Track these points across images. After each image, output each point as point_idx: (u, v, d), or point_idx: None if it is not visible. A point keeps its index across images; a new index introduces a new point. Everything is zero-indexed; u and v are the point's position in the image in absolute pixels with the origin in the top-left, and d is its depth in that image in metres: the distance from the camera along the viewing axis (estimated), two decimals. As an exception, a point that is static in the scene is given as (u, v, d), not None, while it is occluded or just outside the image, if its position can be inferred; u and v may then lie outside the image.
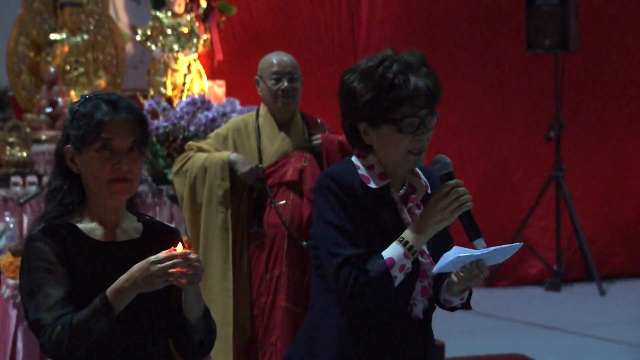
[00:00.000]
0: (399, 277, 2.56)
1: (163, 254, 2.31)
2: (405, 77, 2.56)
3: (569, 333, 7.13)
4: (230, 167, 4.44)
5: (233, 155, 4.46)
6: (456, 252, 2.51)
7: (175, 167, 4.58)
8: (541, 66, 8.83)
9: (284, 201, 4.45)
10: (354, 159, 2.69)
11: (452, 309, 2.73)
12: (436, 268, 2.56)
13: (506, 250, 2.57)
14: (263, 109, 4.60)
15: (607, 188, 9.12)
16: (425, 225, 2.56)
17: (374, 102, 2.58)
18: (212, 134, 4.67)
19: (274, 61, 4.51)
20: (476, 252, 2.52)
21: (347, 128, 2.70)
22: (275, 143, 4.53)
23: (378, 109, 2.58)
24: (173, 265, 2.30)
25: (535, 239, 8.79)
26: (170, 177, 6.31)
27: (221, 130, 4.65)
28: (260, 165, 4.48)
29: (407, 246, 2.56)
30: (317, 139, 4.56)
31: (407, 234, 2.57)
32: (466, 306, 2.75)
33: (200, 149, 4.55)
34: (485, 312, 7.46)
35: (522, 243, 2.64)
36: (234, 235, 4.46)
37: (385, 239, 2.59)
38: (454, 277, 2.61)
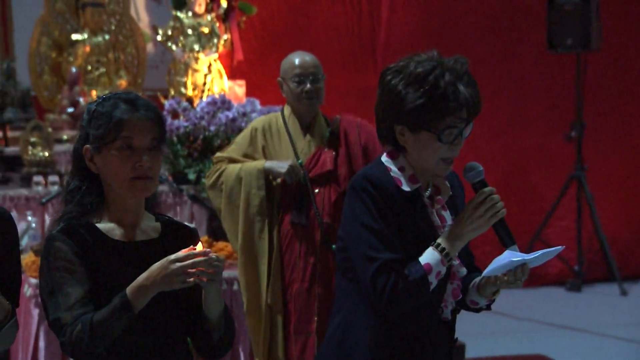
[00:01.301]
0: (434, 282, 2.57)
1: (183, 252, 2.31)
2: (456, 88, 2.54)
3: (590, 334, 7.09)
4: (267, 174, 4.43)
5: (268, 163, 4.44)
6: (508, 256, 2.54)
7: (209, 181, 4.56)
8: (562, 66, 8.79)
9: (317, 190, 4.46)
10: (384, 159, 2.67)
11: (477, 310, 2.73)
12: (487, 271, 2.58)
13: (549, 253, 2.59)
14: (287, 109, 4.59)
15: (629, 188, 9.06)
16: (461, 233, 2.57)
17: (422, 110, 2.55)
18: (237, 139, 4.64)
19: (296, 62, 4.49)
20: (527, 257, 2.54)
21: (382, 127, 2.67)
22: (301, 143, 4.53)
23: (424, 117, 2.56)
24: (193, 264, 2.29)
25: (556, 240, 8.73)
26: (190, 177, 6.34)
27: (245, 132, 4.61)
28: (300, 161, 4.48)
29: (444, 253, 2.56)
30: (336, 118, 4.57)
31: (442, 241, 2.57)
32: (489, 307, 2.75)
33: (231, 160, 4.53)
34: (506, 312, 7.42)
35: (564, 247, 2.67)
36: (270, 238, 4.47)
37: (418, 242, 2.59)
38: (492, 280, 2.60)
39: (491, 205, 2.56)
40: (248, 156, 4.52)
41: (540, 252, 2.56)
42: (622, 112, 9.09)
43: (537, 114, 8.94)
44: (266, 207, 4.45)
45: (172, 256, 2.30)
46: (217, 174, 4.53)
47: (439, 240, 2.57)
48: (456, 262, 2.62)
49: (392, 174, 2.63)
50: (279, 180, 4.42)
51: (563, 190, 8.44)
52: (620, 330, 7.11)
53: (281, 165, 4.42)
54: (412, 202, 2.62)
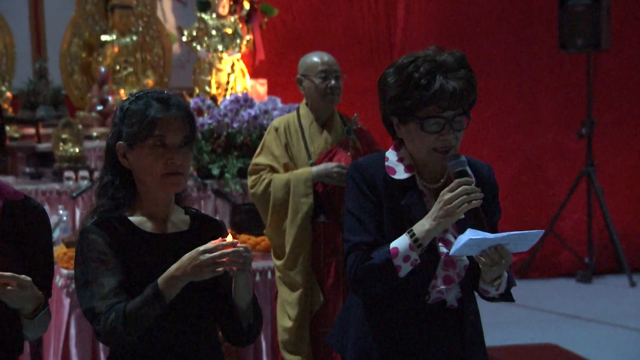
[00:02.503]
0: (403, 267, 2.54)
1: (212, 243, 2.31)
2: (431, 78, 2.52)
3: (600, 323, 7.07)
4: (316, 181, 4.42)
5: (314, 169, 4.44)
6: (469, 235, 2.44)
7: (257, 190, 4.52)
8: (573, 65, 8.75)
9: (329, 187, 4.46)
10: (388, 151, 2.69)
11: (491, 299, 2.68)
12: (452, 250, 2.50)
13: (527, 236, 2.48)
14: (303, 108, 4.58)
15: (638, 183, 9.03)
16: (432, 219, 2.52)
17: (398, 99, 2.57)
18: (266, 143, 4.58)
19: (320, 60, 4.53)
20: (489, 236, 2.44)
21: (385, 121, 2.69)
22: (317, 141, 4.52)
23: (402, 106, 2.57)
24: (221, 255, 2.30)
25: (568, 233, 8.72)
26: (214, 172, 6.35)
27: (270, 135, 4.57)
28: (310, 162, 4.48)
29: (413, 238, 2.53)
30: (354, 117, 4.58)
31: (416, 226, 2.54)
32: (507, 298, 2.68)
33: (272, 168, 4.51)
34: (519, 302, 7.38)
35: (543, 230, 2.54)
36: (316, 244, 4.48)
37: (408, 227, 2.56)
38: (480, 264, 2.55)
39: (464, 193, 2.49)
40: (279, 157, 4.51)
41: (507, 233, 2.45)
42: (631, 110, 9.05)
43: (549, 112, 8.92)
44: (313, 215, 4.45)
45: (202, 247, 2.30)
46: (264, 183, 4.50)
47: (414, 226, 2.54)
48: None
49: (387, 163, 2.64)
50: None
51: (574, 185, 8.41)
52: (629, 320, 7.08)
53: (328, 170, 4.40)
54: (405, 190, 2.61)
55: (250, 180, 4.57)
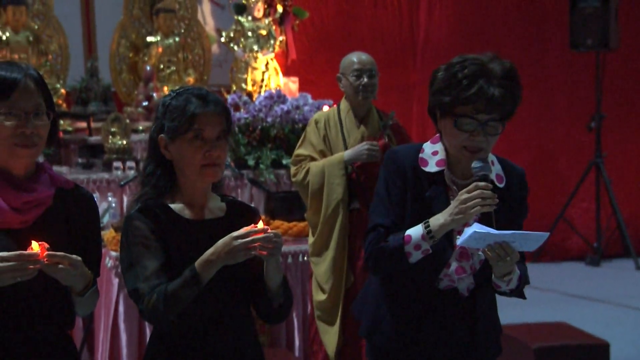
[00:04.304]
0: (414, 254, 2.51)
1: (244, 230, 2.30)
2: (473, 80, 2.48)
3: (607, 304, 7.02)
4: (349, 162, 4.40)
5: (346, 153, 4.42)
6: (474, 227, 2.40)
7: (297, 177, 4.53)
8: (583, 63, 8.68)
9: (363, 177, 4.43)
10: (426, 143, 2.66)
11: (503, 294, 2.63)
12: (460, 241, 2.45)
13: (531, 237, 2.41)
14: (344, 104, 4.59)
15: (644, 173, 8.96)
16: (447, 215, 2.49)
17: (440, 94, 2.54)
18: (307, 136, 4.57)
19: (355, 59, 4.53)
20: (493, 231, 2.39)
21: (429, 111, 2.66)
22: (354, 134, 4.51)
23: (442, 101, 2.54)
24: (253, 241, 2.29)
25: (577, 219, 8.67)
26: (250, 162, 6.36)
27: (311, 127, 4.57)
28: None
29: (427, 229, 2.50)
30: (391, 113, 4.55)
31: (432, 219, 2.51)
32: (518, 294, 2.63)
33: (312, 159, 4.50)
34: (532, 284, 7.32)
35: (547, 234, 2.46)
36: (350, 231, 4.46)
37: (427, 217, 2.53)
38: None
39: (479, 197, 2.44)
40: (318, 147, 4.50)
41: (511, 232, 2.39)
42: (638, 104, 8.98)
43: (561, 107, 8.87)
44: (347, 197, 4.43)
45: (235, 233, 2.30)
46: (303, 172, 4.51)
47: (430, 219, 2.51)
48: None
49: (421, 155, 2.61)
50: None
51: (584, 175, 8.35)
52: (635, 301, 7.03)
53: (358, 150, 4.40)
54: (433, 182, 2.58)
55: (292, 169, 4.59)
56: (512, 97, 2.52)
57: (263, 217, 5.60)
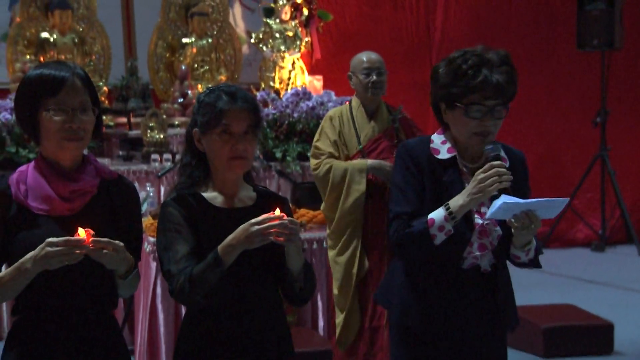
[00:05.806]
0: (438, 236, 2.51)
1: (262, 217, 2.29)
2: (477, 70, 2.50)
3: (612, 287, 6.98)
4: (370, 172, 4.34)
5: (370, 162, 4.37)
6: (503, 199, 2.41)
7: (318, 172, 4.46)
8: (590, 62, 8.63)
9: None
10: (434, 135, 2.66)
11: (521, 264, 2.63)
12: (488, 214, 2.46)
13: (553, 203, 2.43)
14: (355, 101, 4.56)
15: (647, 165, 8.89)
16: (465, 196, 2.48)
17: (447, 87, 2.54)
18: (324, 130, 4.52)
19: (364, 58, 4.48)
20: (521, 201, 2.40)
21: (432, 106, 2.65)
22: (366, 129, 4.49)
23: (451, 93, 2.54)
24: (268, 227, 2.27)
25: (583, 209, 8.62)
26: (277, 155, 6.37)
27: (326, 123, 4.52)
28: (359, 146, 4.45)
29: (448, 211, 2.50)
30: (399, 108, 4.51)
31: (452, 201, 2.51)
32: (535, 264, 2.64)
33: (331, 154, 4.44)
34: (541, 269, 7.32)
35: (568, 198, 2.50)
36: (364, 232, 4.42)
37: (447, 201, 2.53)
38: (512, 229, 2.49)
39: (495, 175, 2.45)
40: (334, 141, 4.47)
41: (537, 199, 2.39)
42: (641, 101, 8.91)
43: (568, 103, 8.81)
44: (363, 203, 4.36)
45: (253, 220, 2.29)
46: (325, 168, 4.43)
47: (450, 201, 2.51)
48: (487, 221, 2.55)
49: (432, 145, 2.61)
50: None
51: (589, 167, 8.30)
52: (637, 284, 6.99)
53: (381, 166, 4.33)
54: (447, 168, 2.58)
55: (312, 162, 4.54)
56: (512, 81, 2.55)
57: (282, 204, 5.60)
